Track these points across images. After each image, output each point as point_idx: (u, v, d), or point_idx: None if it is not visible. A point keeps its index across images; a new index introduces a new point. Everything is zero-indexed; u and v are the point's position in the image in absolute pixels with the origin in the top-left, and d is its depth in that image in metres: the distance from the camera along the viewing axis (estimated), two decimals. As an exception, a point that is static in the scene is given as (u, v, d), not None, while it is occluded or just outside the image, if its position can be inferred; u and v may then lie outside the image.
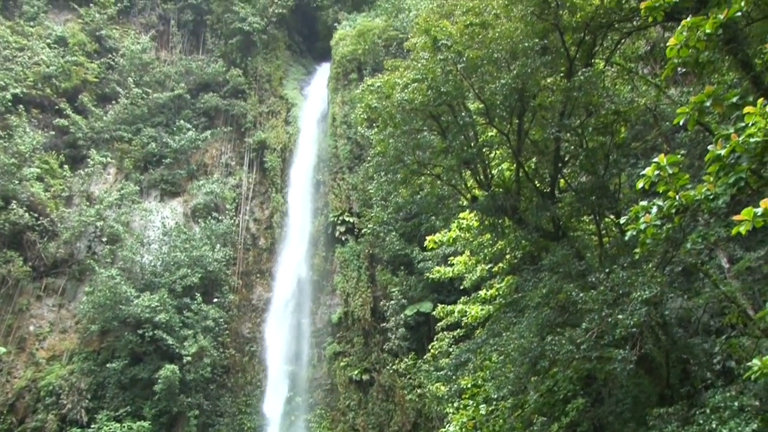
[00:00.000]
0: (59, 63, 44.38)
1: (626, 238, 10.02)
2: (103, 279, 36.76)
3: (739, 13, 8.52)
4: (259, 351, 41.58)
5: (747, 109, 7.75)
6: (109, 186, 43.77)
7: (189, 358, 36.29)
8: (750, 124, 7.66)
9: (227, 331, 40.56)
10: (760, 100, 7.70)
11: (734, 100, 8.67)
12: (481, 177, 18.11)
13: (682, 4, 10.47)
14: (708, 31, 8.63)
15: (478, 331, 21.44)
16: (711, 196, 8.27)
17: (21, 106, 41.31)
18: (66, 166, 42.44)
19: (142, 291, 37.83)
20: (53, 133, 43.02)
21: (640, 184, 8.87)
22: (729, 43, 10.48)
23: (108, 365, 36.46)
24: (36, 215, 38.84)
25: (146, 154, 45.75)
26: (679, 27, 8.89)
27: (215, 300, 40.86)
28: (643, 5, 10.06)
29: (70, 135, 43.93)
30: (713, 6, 10.57)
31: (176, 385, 35.41)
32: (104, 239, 40.65)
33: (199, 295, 38.94)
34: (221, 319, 39.88)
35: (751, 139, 7.61)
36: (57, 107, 43.86)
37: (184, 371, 36.01)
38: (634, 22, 16.41)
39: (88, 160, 42.84)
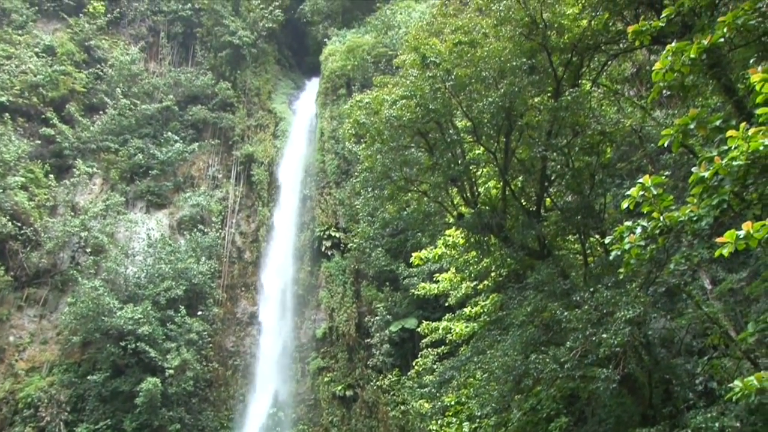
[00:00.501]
0: (47, 72, 44.08)
1: (611, 257, 10.08)
2: (86, 290, 36.32)
3: (723, 39, 8.68)
4: (243, 365, 41.28)
5: (730, 132, 7.87)
6: (94, 196, 43.43)
7: (171, 371, 35.85)
8: (733, 148, 7.78)
9: (211, 345, 40.15)
10: (743, 124, 7.82)
11: (717, 123, 8.81)
12: (468, 194, 18.17)
13: (667, 28, 10.63)
14: (692, 56, 8.78)
15: (462, 349, 21.42)
16: (694, 218, 8.38)
17: (7, 114, 40.96)
18: (51, 176, 41.98)
19: (125, 303, 37.37)
20: (39, 142, 42.61)
21: (625, 205, 8.97)
22: (713, 68, 10.63)
23: (89, 377, 35.96)
24: (19, 224, 38.35)
25: (133, 166, 45.41)
26: (665, 51, 9.03)
27: (199, 313, 40.47)
28: (630, 29, 10.23)
29: (56, 144, 43.55)
30: (698, 31, 10.76)
31: (158, 398, 34.95)
32: (88, 250, 40.25)
33: (183, 307, 38.55)
34: (205, 332, 39.48)
35: (734, 162, 7.73)
36: (43, 116, 43.47)
37: (166, 384, 35.55)
38: (621, 45, 16.64)
39: (74, 170, 42.51)
